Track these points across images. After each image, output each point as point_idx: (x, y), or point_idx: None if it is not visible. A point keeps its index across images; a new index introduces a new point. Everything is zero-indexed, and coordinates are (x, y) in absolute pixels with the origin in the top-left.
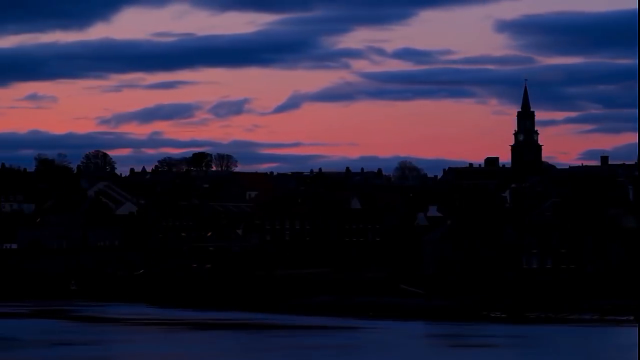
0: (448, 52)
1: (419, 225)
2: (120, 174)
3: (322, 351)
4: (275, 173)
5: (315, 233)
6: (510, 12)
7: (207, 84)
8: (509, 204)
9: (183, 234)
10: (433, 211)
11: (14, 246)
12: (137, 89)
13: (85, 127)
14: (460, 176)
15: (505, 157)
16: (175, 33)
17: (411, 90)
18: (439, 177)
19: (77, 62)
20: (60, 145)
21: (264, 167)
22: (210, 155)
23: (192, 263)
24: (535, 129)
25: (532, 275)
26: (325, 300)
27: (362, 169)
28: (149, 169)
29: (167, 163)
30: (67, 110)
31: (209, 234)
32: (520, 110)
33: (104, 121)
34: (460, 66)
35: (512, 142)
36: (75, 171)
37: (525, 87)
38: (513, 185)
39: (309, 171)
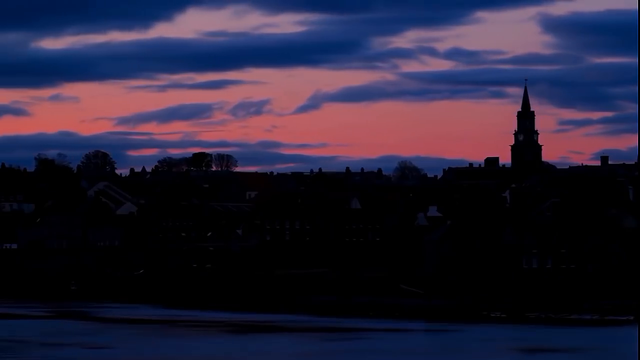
0: (497, 52)
1: (419, 225)
2: (120, 174)
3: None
4: (275, 173)
5: (315, 233)
6: (561, 11)
7: (254, 84)
8: (509, 204)
9: (183, 234)
10: (433, 211)
11: (14, 246)
12: (182, 90)
13: (102, 127)
14: (460, 176)
15: (505, 157)
16: (229, 33)
17: (449, 90)
18: (439, 177)
19: (128, 62)
20: (86, 146)
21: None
22: (210, 155)
23: (192, 263)
24: (568, 127)
25: (532, 275)
26: (325, 300)
27: (362, 169)
28: (149, 169)
29: (167, 163)
30: (93, 111)
31: (209, 234)
32: (520, 110)
33: (123, 121)
34: (506, 66)
35: (512, 142)
36: (75, 171)
37: (525, 88)
38: (513, 185)
39: (309, 171)
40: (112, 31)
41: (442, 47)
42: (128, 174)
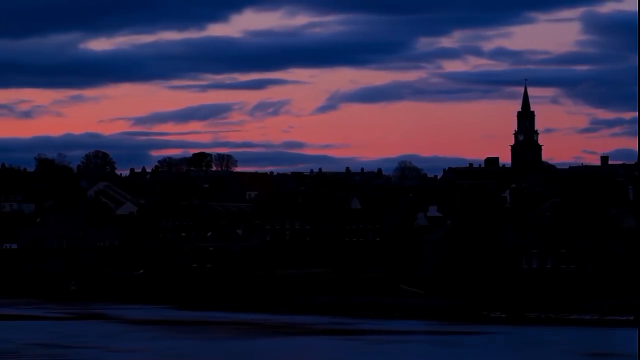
0: (541, 52)
1: (419, 225)
2: (120, 174)
3: None
4: (275, 173)
5: (315, 233)
6: (607, 10)
7: (295, 84)
8: (509, 204)
9: (183, 234)
10: (433, 211)
11: (14, 246)
12: (222, 90)
13: (121, 127)
14: (460, 176)
15: (505, 157)
16: (276, 33)
17: (485, 90)
18: (439, 177)
19: (174, 62)
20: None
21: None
22: (210, 155)
23: (192, 263)
24: (597, 126)
25: (532, 275)
26: (325, 300)
27: (362, 169)
28: (149, 169)
29: (167, 163)
30: (118, 111)
31: (209, 234)
32: (520, 110)
33: (139, 121)
34: (547, 66)
35: (512, 142)
36: (75, 171)
37: (525, 88)
38: (513, 185)
39: (309, 171)
40: (163, 32)
41: (487, 47)
42: (128, 174)
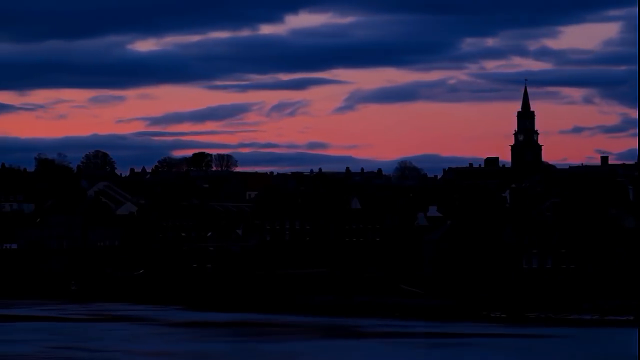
0: (584, 52)
1: (419, 225)
2: (121, 173)
3: None
4: (275, 173)
5: (315, 233)
6: None
7: (336, 84)
8: (509, 204)
9: (183, 234)
10: (433, 211)
11: (14, 246)
12: (261, 90)
13: (137, 128)
14: (460, 176)
15: (505, 157)
16: (324, 33)
17: (507, 89)
18: (439, 177)
19: (218, 63)
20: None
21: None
22: (210, 155)
23: (192, 263)
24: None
25: (532, 275)
26: (325, 300)
27: (362, 169)
28: (148, 169)
29: (167, 163)
30: (137, 112)
31: (209, 234)
32: (520, 110)
33: (155, 121)
34: (590, 67)
35: (512, 142)
36: (75, 171)
37: (525, 88)
38: (513, 185)
39: (309, 171)
40: (212, 32)
41: (532, 47)
42: (128, 174)
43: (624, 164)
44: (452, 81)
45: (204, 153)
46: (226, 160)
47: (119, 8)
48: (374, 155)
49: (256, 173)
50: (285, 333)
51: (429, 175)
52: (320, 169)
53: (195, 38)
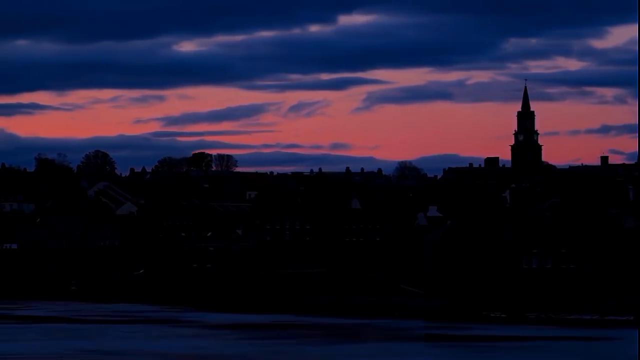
0: (627, 52)
1: (419, 225)
2: (121, 173)
3: None
4: (275, 173)
5: (315, 233)
6: None
7: (375, 84)
8: (509, 204)
9: (183, 234)
10: (433, 211)
11: (14, 246)
12: (298, 90)
13: (150, 128)
14: (460, 176)
15: (505, 157)
16: (367, 34)
17: (561, 91)
18: (439, 177)
19: (261, 63)
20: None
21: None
22: (210, 155)
23: (192, 263)
24: None
25: (532, 275)
26: (326, 300)
27: (362, 169)
28: (148, 169)
29: (167, 163)
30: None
31: (209, 234)
32: (520, 110)
33: (171, 121)
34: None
35: (512, 142)
36: (75, 171)
37: (525, 88)
38: (513, 186)
39: (309, 171)
40: (258, 32)
41: (576, 47)
42: (128, 174)
43: (623, 164)
44: (470, 81)
45: (204, 153)
46: (226, 160)
47: (171, 9)
48: (392, 157)
49: (256, 173)
50: (326, 335)
51: (429, 175)
52: (320, 169)
53: (240, 37)
